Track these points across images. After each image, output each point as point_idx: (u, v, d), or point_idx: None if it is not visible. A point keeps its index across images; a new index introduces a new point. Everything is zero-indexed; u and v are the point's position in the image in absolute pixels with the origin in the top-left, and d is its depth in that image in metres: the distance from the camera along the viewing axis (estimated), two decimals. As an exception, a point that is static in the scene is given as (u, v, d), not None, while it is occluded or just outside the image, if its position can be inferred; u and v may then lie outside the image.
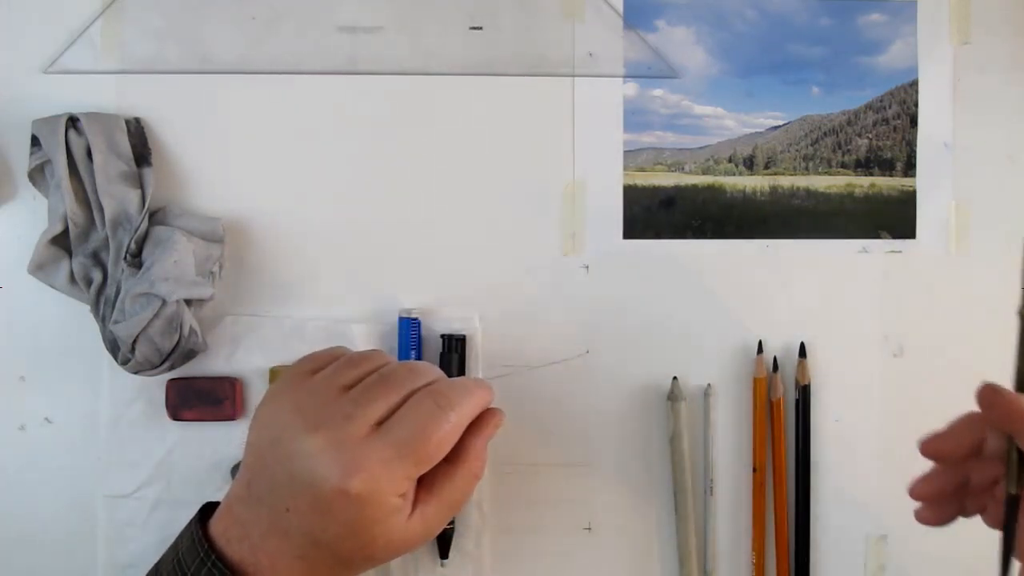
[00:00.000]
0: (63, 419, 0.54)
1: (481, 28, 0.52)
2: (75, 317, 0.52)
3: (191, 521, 0.41)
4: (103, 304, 0.51)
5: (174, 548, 0.40)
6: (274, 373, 0.53)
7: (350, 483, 0.37)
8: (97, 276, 0.51)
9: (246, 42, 0.53)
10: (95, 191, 0.51)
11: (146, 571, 0.41)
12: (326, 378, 0.41)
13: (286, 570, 0.39)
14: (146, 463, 0.54)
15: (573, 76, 0.53)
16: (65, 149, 0.50)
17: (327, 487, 0.37)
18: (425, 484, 0.40)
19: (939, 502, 0.41)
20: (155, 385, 0.53)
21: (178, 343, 0.50)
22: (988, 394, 0.39)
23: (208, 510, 0.41)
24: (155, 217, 0.52)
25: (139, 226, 0.50)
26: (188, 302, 0.51)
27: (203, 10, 0.53)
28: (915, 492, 0.41)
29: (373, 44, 0.53)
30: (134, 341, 0.49)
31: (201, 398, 0.53)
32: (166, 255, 0.49)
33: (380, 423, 0.39)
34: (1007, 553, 0.37)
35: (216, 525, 0.40)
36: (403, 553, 0.41)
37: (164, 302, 0.49)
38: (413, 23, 0.53)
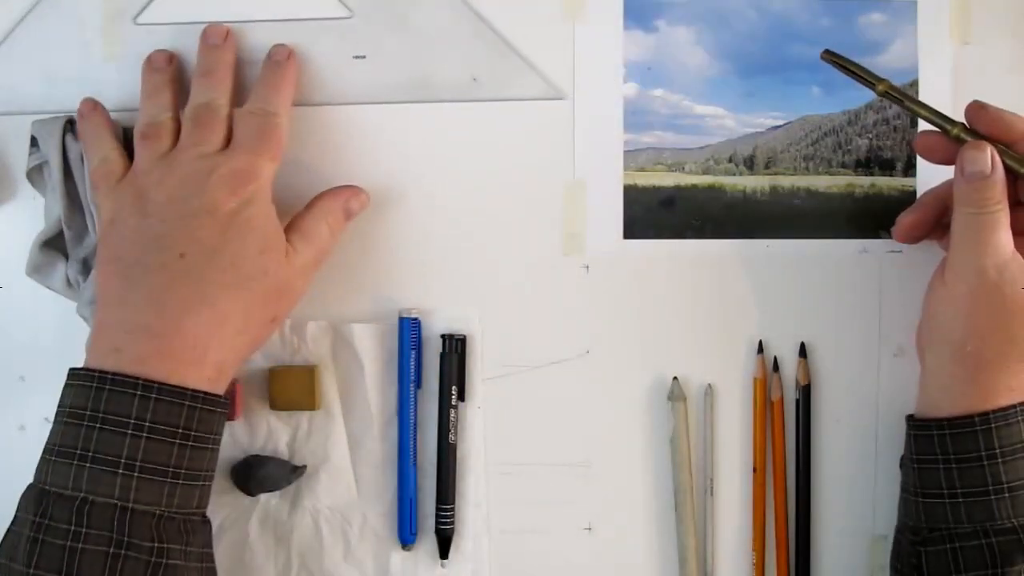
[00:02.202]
0: (63, 419, 0.54)
1: (364, 57, 0.53)
2: (75, 317, 0.52)
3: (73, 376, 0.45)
4: (92, 312, 0.51)
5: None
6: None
7: (238, 191, 0.45)
8: (84, 284, 0.51)
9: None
10: (86, 197, 0.51)
11: None
12: (141, 166, 0.47)
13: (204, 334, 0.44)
14: (146, 463, 0.53)
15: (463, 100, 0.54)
16: (61, 152, 0.50)
17: (222, 210, 0.44)
18: (293, 230, 0.48)
19: (914, 231, 0.51)
20: (155, 385, 0.53)
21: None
22: (975, 108, 0.47)
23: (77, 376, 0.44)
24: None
25: None
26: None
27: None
28: (905, 226, 0.51)
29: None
30: None
31: (201, 398, 0.53)
32: None
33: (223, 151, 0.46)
34: None
35: (95, 351, 0.44)
36: (293, 298, 0.48)
37: None
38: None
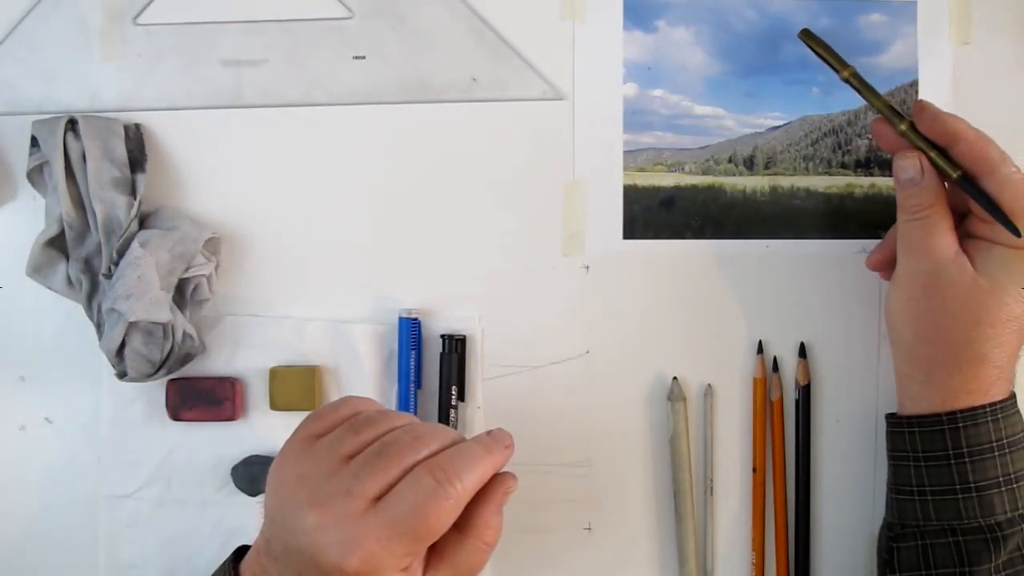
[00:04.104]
0: (63, 419, 0.54)
1: (364, 57, 0.53)
2: (75, 317, 0.52)
3: (225, 562, 0.42)
4: (95, 312, 0.51)
5: None
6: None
7: (347, 562, 0.37)
8: (87, 284, 0.51)
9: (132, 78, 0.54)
10: (88, 196, 0.50)
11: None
12: (329, 446, 0.40)
13: None
14: (146, 463, 0.54)
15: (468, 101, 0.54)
16: (63, 152, 0.50)
17: (328, 564, 0.37)
18: (436, 551, 0.40)
19: (884, 264, 0.50)
20: (155, 385, 0.53)
21: (171, 350, 0.50)
22: (917, 108, 0.46)
23: (241, 552, 0.42)
24: (147, 220, 0.52)
25: (124, 234, 0.50)
26: (182, 307, 0.51)
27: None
28: (873, 261, 0.51)
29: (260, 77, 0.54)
30: (118, 354, 0.49)
31: (201, 398, 0.53)
32: (130, 270, 0.49)
33: (379, 498, 0.38)
34: (997, 212, 0.44)
35: (247, 569, 0.41)
36: None
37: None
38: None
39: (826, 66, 0.47)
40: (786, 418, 0.54)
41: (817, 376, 0.54)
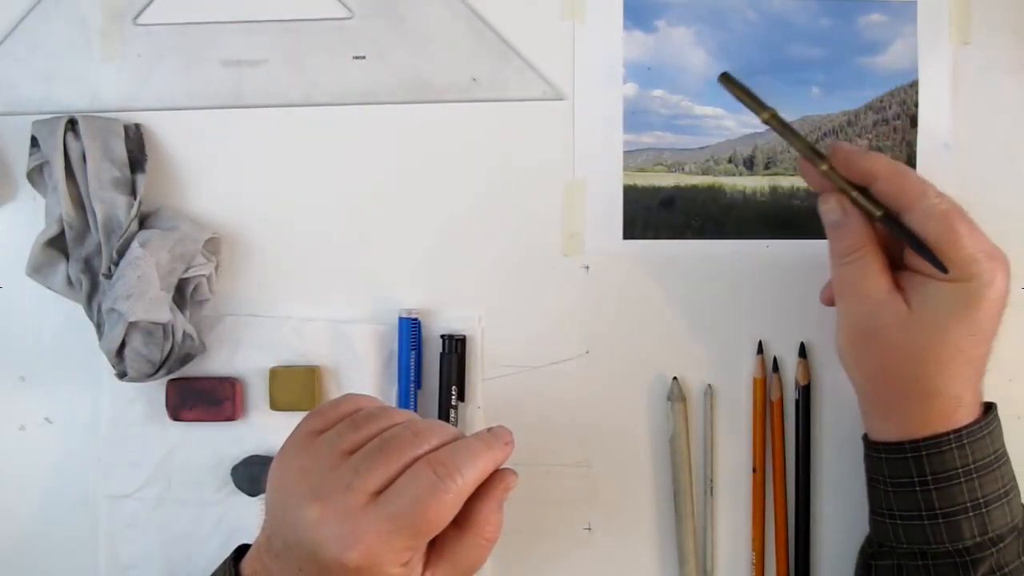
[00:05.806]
0: (63, 419, 0.54)
1: (364, 57, 0.53)
2: (75, 317, 0.52)
3: (226, 560, 0.42)
4: (95, 311, 0.51)
5: None
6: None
7: (348, 556, 0.37)
8: (87, 284, 0.51)
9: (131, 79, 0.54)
10: (88, 196, 0.50)
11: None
12: (330, 441, 0.40)
13: None
14: (146, 463, 0.54)
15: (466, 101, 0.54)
16: (63, 152, 0.50)
17: (328, 557, 0.37)
18: (436, 547, 0.40)
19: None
20: (155, 385, 0.53)
21: (172, 350, 0.50)
22: (833, 150, 0.45)
23: (242, 551, 0.42)
24: (147, 220, 0.52)
25: (125, 234, 0.50)
26: (182, 307, 0.51)
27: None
28: (824, 297, 0.50)
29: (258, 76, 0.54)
30: (118, 354, 0.49)
31: (201, 398, 0.53)
32: (130, 270, 0.49)
33: (380, 492, 0.38)
34: (922, 249, 0.43)
35: (247, 567, 0.41)
36: None
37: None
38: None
39: (745, 107, 0.46)
40: (786, 418, 0.54)
41: (817, 376, 0.54)
